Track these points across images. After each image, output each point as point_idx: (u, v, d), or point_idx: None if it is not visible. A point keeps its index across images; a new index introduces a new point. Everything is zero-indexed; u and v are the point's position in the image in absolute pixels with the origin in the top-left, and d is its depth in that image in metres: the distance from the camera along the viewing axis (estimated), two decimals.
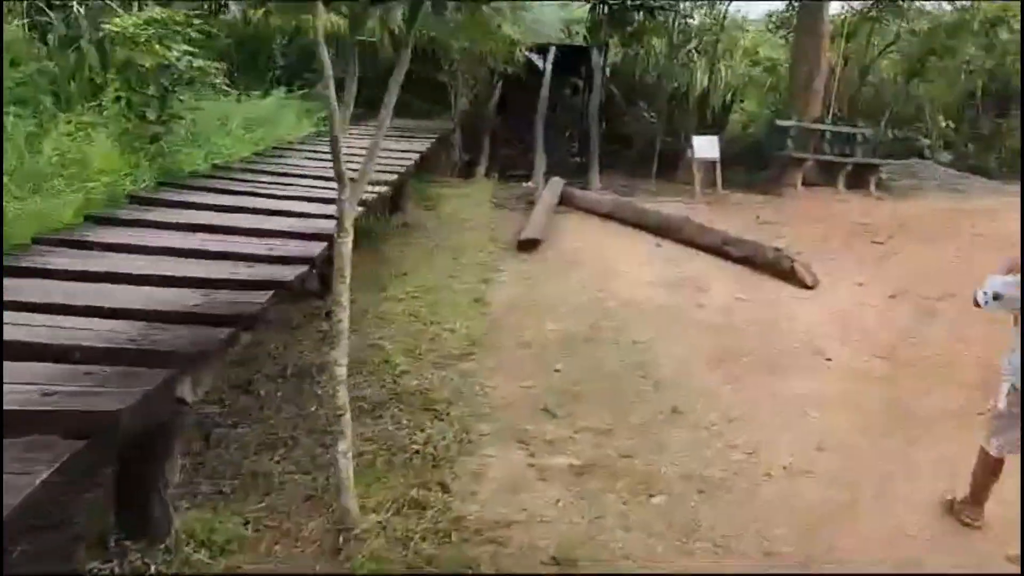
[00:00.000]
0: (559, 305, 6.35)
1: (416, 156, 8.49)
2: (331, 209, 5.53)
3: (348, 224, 2.78)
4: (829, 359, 5.75)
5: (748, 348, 5.79)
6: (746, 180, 13.01)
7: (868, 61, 14.28)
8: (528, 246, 7.85)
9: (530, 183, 10.63)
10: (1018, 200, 13.72)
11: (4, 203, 4.61)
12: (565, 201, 10.19)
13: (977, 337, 6.18)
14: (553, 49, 16.13)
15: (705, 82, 15.30)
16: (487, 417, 4.42)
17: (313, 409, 4.32)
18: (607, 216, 9.66)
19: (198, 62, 6.10)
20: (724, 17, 15.10)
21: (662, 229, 8.98)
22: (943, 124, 15.60)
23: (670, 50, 14.03)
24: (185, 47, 6.13)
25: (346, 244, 2.78)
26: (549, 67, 15.65)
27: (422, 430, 4.16)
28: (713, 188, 11.63)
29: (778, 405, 4.89)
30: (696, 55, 14.27)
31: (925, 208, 11.92)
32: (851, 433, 4.57)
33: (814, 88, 12.84)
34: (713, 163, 11.49)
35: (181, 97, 6.26)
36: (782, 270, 7.61)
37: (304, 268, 4.24)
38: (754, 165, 13.61)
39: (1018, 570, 3.36)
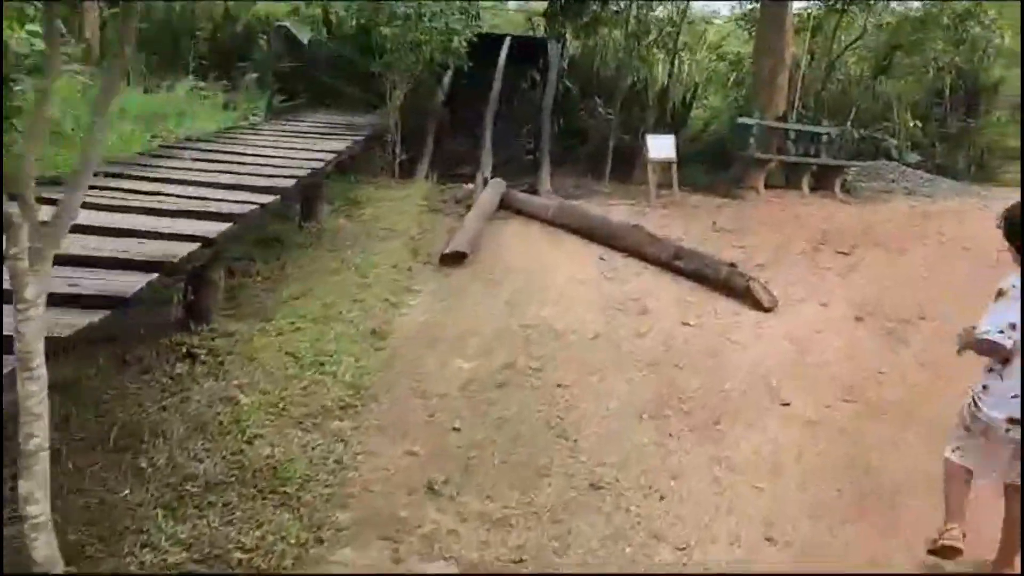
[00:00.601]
0: (475, 336, 5.35)
1: (332, 155, 7.44)
2: (189, 226, 4.52)
3: (30, 292, 1.76)
4: (786, 404, 4.82)
5: (691, 391, 4.84)
6: (706, 181, 12.10)
7: (834, 57, 13.40)
8: (452, 260, 6.84)
9: (470, 184, 9.60)
10: (985, 202, 12.97)
11: None
12: (507, 205, 9.19)
13: (952, 369, 5.32)
14: (508, 39, 15.17)
15: (666, 76, 14.36)
16: (351, 501, 3.42)
17: (125, 493, 3.29)
18: (550, 222, 8.67)
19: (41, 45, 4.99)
20: (686, 9, 14.14)
21: (609, 238, 8.00)
22: (911, 123, 14.83)
23: (627, 42, 13.02)
24: (33, 27, 5.01)
25: (30, 321, 1.76)
26: (503, 58, 14.67)
27: (259, 524, 3.15)
28: (670, 190, 10.68)
29: (722, 473, 3.94)
30: (655, 48, 13.30)
31: (892, 213, 11.11)
32: (808, 514, 3.64)
33: (778, 84, 11.93)
34: (669, 164, 10.53)
35: (24, 88, 5.14)
36: (737, 290, 6.68)
37: (106, 313, 3.21)
38: (716, 164, 12.71)
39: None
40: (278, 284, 5.85)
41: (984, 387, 3.05)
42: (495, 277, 6.67)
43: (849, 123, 12.74)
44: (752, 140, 11.54)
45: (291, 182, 5.92)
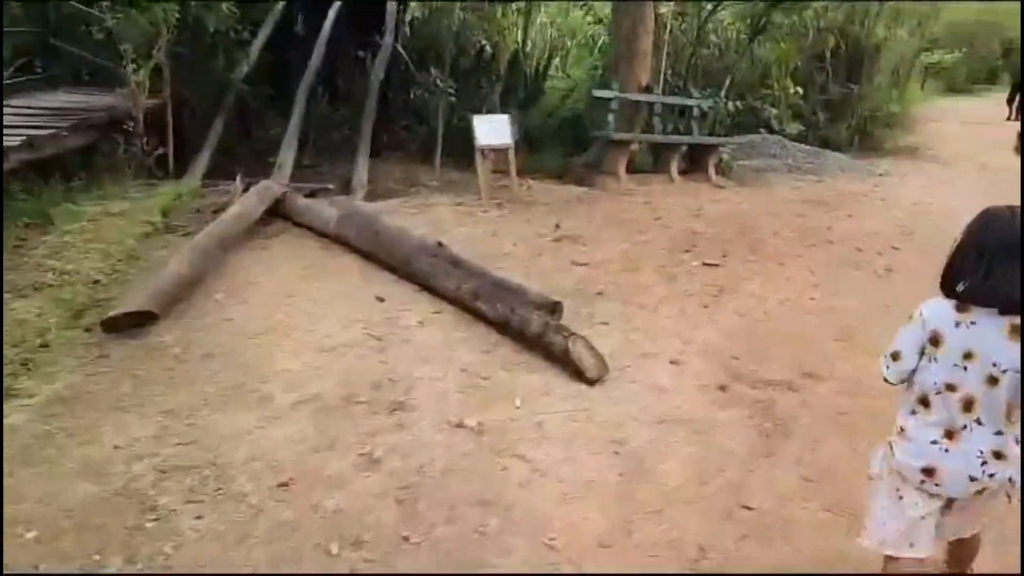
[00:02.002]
0: (42, 514, 2.89)
1: None
2: None
3: None
4: None
5: None
6: (561, 167, 9.87)
7: (703, 17, 11.26)
8: (130, 325, 4.32)
9: (236, 184, 6.98)
10: (875, 181, 11.22)
11: None
12: (283, 213, 6.71)
13: (856, 487, 3.32)
14: (338, 1, 12.46)
15: (521, 42, 11.97)
16: None
17: None
18: (333, 238, 6.25)
19: None
20: None
21: (401, 262, 5.65)
22: (791, 90, 12.94)
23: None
24: None
25: None
26: (328, 23, 11.99)
27: None
28: (508, 182, 8.37)
29: None
30: (503, 7, 10.86)
31: (772, 200, 9.14)
32: None
33: (639, 50, 9.69)
34: (504, 151, 8.19)
35: None
36: (553, 351, 4.44)
37: None
38: (576, 145, 10.48)
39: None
40: None
41: (901, 429, 2.38)
42: (187, 355, 4.20)
43: (723, 92, 10.66)
44: (611, 117, 9.33)
45: None
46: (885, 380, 2.39)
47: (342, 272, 5.67)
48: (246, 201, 6.21)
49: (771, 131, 12.39)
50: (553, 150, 10.33)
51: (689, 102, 10.04)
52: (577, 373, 4.29)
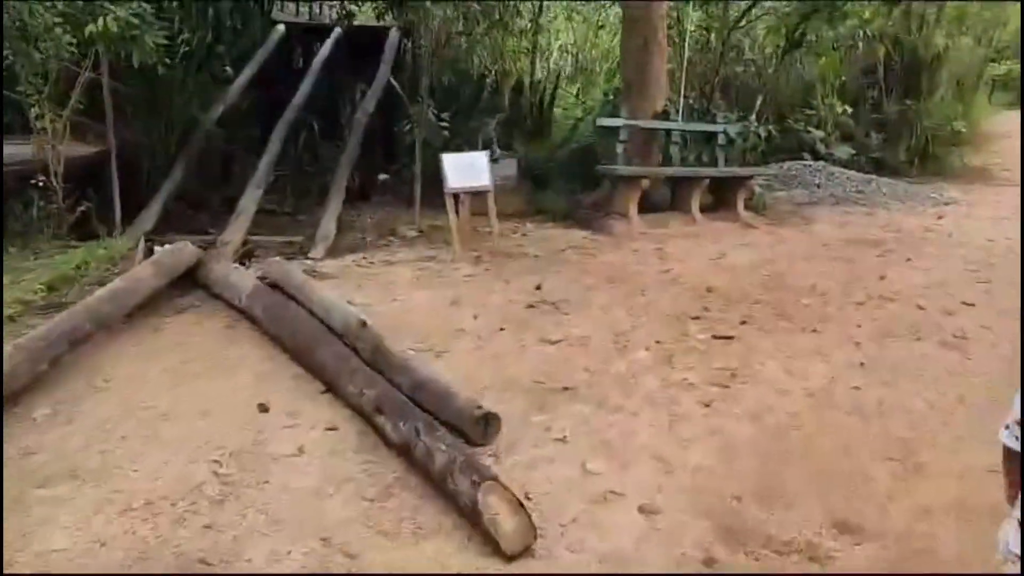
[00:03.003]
0: None
1: None
2: None
3: None
4: None
5: None
6: (567, 208, 8.43)
7: (727, 29, 9.69)
8: None
9: (139, 246, 5.76)
10: (939, 215, 9.42)
11: None
12: (201, 281, 5.46)
13: None
14: (337, 31, 11.41)
15: (528, 68, 10.62)
16: None
17: None
18: (246, 316, 4.96)
19: None
20: None
21: (303, 354, 4.30)
22: (839, 109, 11.24)
23: (467, 24, 9.25)
24: None
25: None
26: (322, 56, 10.98)
27: None
28: (489, 230, 6.97)
29: None
30: (500, 31, 9.52)
31: (810, 242, 7.49)
32: None
33: (652, 71, 8.23)
34: (483, 195, 6.81)
35: None
36: (461, 504, 2.99)
37: None
38: (586, 182, 9.02)
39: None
40: None
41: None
42: None
43: (754, 115, 9.07)
44: (620, 148, 7.87)
45: None
46: (1009, 451, 1.81)
47: (236, 366, 4.34)
48: (137, 273, 4.95)
49: (816, 156, 10.70)
50: (560, 188, 8.90)
51: (712, 128, 8.49)
52: (491, 539, 2.82)
